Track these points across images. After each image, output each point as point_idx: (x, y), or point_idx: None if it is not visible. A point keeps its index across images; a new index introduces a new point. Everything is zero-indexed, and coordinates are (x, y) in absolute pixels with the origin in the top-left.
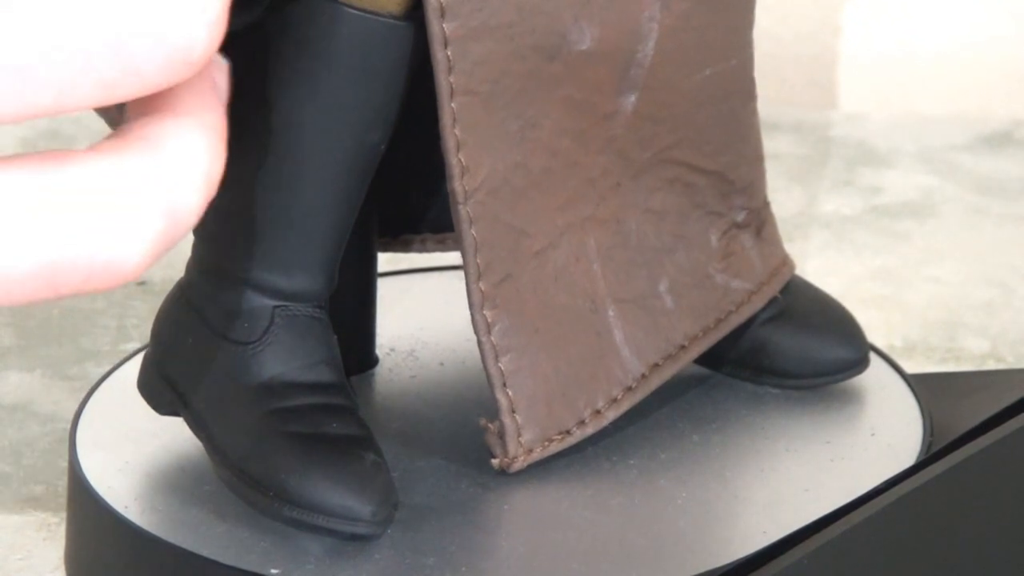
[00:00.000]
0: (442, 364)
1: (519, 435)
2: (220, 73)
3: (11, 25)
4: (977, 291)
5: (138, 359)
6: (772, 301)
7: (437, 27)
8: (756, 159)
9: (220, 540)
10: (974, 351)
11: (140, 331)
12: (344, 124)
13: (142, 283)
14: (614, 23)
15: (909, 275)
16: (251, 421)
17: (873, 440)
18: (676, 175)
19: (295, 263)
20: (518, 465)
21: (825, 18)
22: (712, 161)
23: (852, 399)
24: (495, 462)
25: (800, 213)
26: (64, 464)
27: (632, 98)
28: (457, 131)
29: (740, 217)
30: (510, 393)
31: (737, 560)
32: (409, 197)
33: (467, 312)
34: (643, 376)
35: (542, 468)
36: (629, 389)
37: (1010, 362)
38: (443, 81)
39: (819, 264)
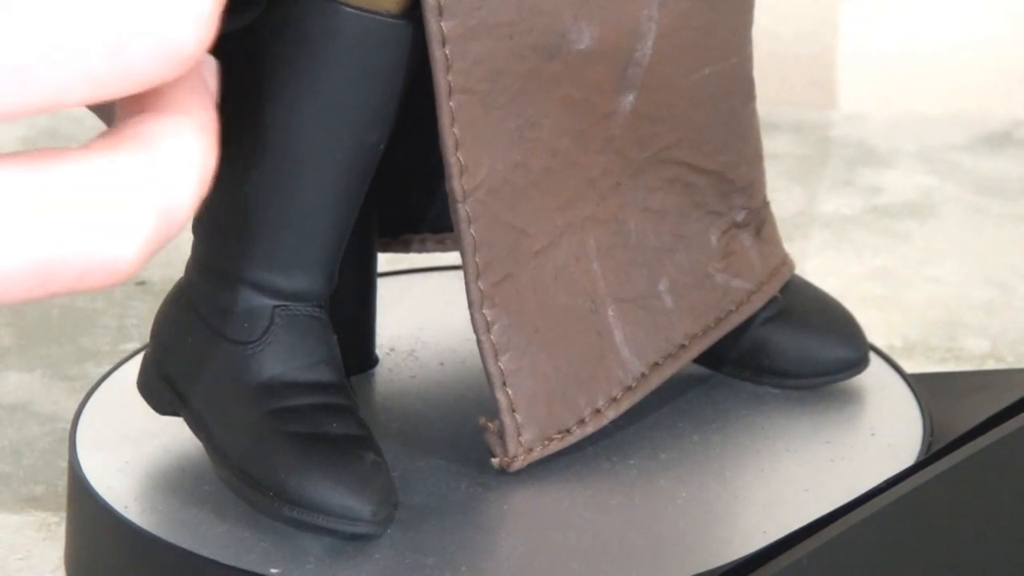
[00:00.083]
0: (442, 364)
1: (519, 434)
2: (210, 73)
3: (11, 25)
4: (977, 291)
5: (138, 359)
6: (772, 301)
7: (435, 26)
8: (756, 159)
9: (220, 540)
10: (974, 351)
11: (140, 331)
12: (343, 124)
13: (142, 283)
14: (613, 22)
15: (909, 275)
16: (251, 421)
17: (873, 440)
18: (676, 175)
19: (295, 263)
20: (518, 464)
21: (825, 18)
22: (712, 161)
23: (852, 399)
24: (495, 461)
25: (800, 213)
26: (64, 464)
27: (631, 97)
28: (455, 130)
29: (740, 217)
30: (510, 392)
31: (737, 560)
32: (409, 197)
33: (467, 312)
34: (643, 375)
35: (542, 468)
36: (629, 388)
37: (1010, 362)
38: (441, 80)
39: (819, 264)
